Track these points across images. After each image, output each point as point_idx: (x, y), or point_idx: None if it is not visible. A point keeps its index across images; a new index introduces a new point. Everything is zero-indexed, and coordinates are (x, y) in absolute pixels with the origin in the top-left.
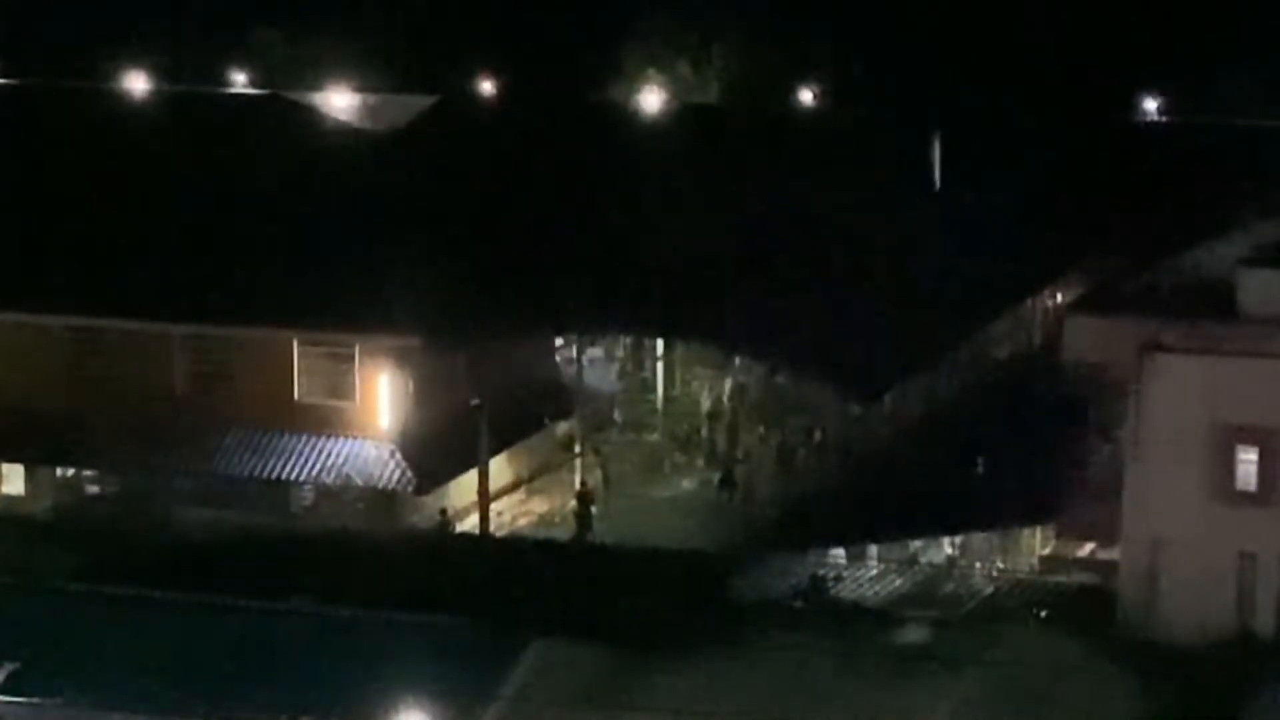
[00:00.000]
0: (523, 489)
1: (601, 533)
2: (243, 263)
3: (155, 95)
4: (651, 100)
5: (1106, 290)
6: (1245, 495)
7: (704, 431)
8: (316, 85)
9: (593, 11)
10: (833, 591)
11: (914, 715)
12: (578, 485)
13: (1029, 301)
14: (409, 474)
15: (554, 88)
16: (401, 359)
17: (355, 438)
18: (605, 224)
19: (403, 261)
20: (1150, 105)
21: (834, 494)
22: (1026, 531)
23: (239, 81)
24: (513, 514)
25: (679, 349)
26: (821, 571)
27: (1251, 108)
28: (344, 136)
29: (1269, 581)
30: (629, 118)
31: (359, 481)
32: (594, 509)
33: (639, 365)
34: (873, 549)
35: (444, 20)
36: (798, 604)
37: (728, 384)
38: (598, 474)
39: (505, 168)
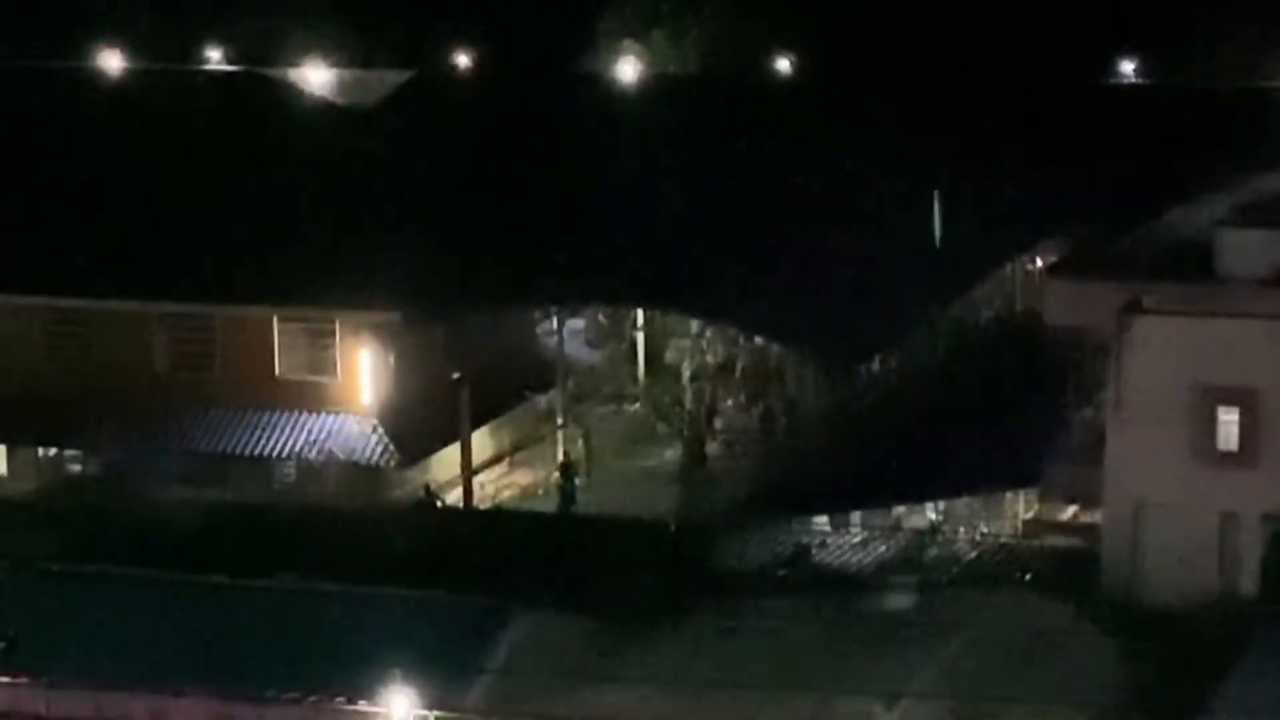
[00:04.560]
0: (505, 462)
1: (585, 504)
2: (221, 240)
3: (130, 74)
4: (629, 70)
5: (1086, 253)
6: (1227, 456)
7: (686, 401)
8: (293, 61)
9: None
10: (817, 559)
11: (900, 680)
12: (560, 457)
13: (1009, 266)
14: (391, 449)
15: (530, 60)
16: (382, 334)
17: (337, 413)
18: (584, 195)
19: (382, 236)
20: (1128, 68)
21: (817, 462)
22: (1009, 496)
23: (214, 59)
24: (496, 487)
25: (660, 319)
26: (805, 539)
27: (1229, 71)
28: (321, 112)
29: (1251, 541)
30: (606, 89)
31: (341, 457)
32: (577, 481)
33: (620, 336)
34: (856, 516)
35: None
36: (782, 572)
37: (709, 354)
38: (580, 446)
39: (483, 141)
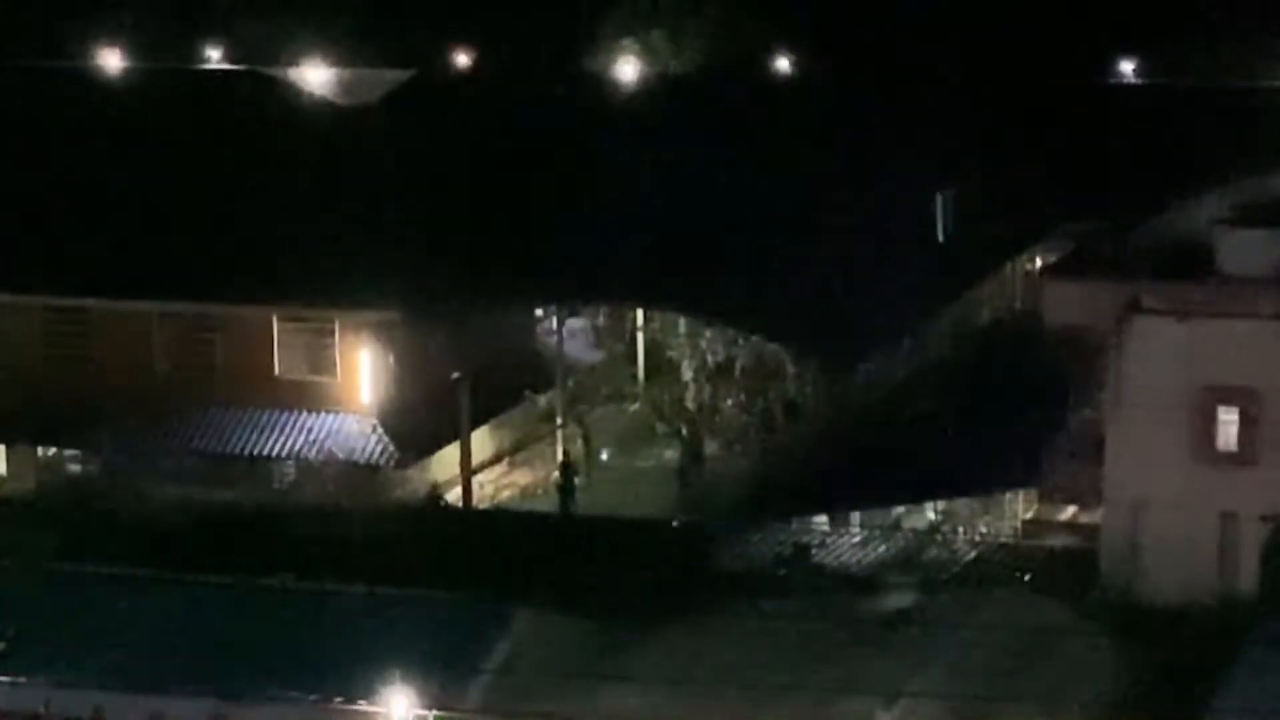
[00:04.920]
0: (505, 461)
1: (584, 504)
2: (221, 239)
3: (130, 73)
4: (628, 70)
5: (1086, 253)
6: (1226, 456)
7: (686, 401)
8: (292, 61)
9: None
10: (816, 559)
11: (899, 681)
12: (560, 457)
13: (1009, 265)
14: (391, 448)
15: (530, 59)
16: (382, 333)
17: (336, 413)
18: (583, 195)
19: (382, 236)
20: (1128, 68)
21: (816, 461)
22: (1009, 496)
23: (214, 58)
24: (495, 486)
25: (659, 318)
26: (804, 539)
27: (1230, 70)
28: (321, 111)
29: (1250, 542)
30: (606, 88)
31: (341, 456)
32: (577, 480)
33: (620, 336)
34: (855, 516)
35: None
36: (781, 572)
37: (708, 354)
38: (580, 445)
39: (483, 140)
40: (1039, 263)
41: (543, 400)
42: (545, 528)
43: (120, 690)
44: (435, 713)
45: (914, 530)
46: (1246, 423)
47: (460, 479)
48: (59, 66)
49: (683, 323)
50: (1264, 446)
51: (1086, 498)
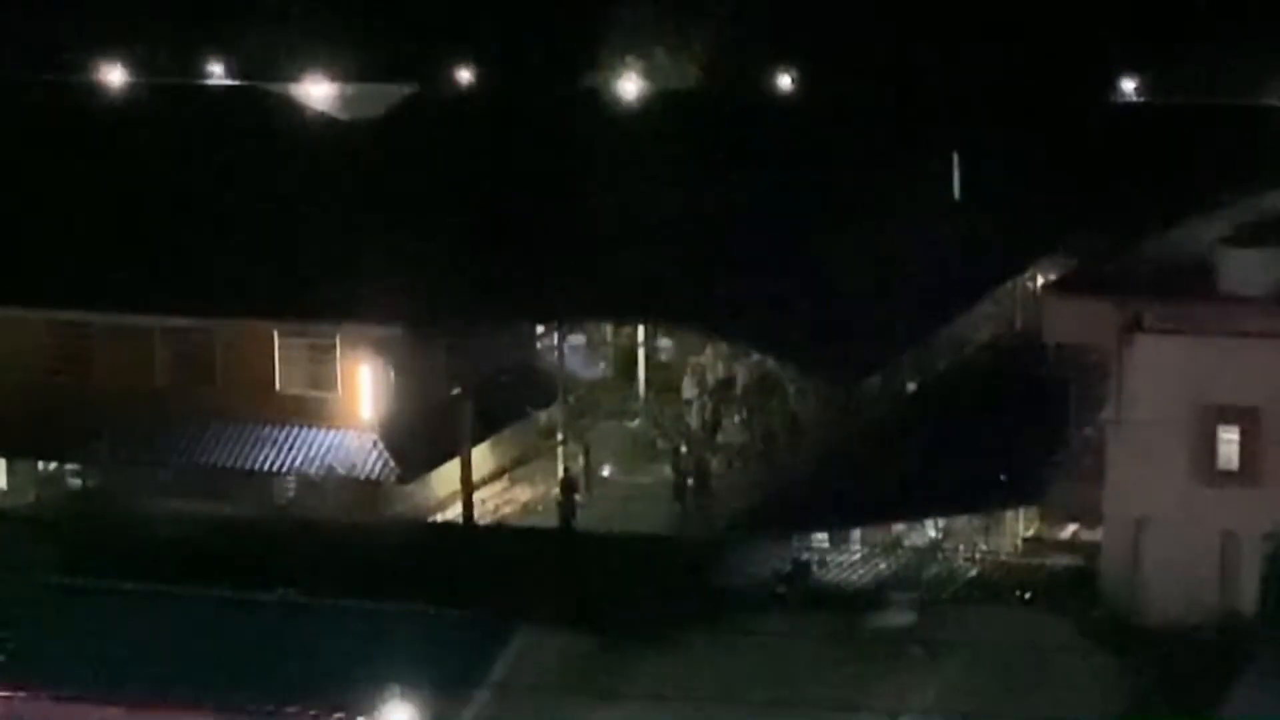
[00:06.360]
0: (506, 477)
1: (585, 520)
2: (222, 254)
3: (132, 88)
4: (629, 87)
5: (1086, 271)
6: (1227, 474)
7: (687, 418)
8: (294, 76)
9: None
10: (816, 576)
11: (898, 698)
12: (561, 473)
13: (1010, 283)
14: (391, 464)
15: (532, 74)
16: (383, 349)
17: (337, 428)
18: (585, 211)
19: (383, 251)
20: (1129, 86)
21: (817, 478)
22: (1009, 514)
23: (216, 73)
24: (496, 502)
25: (661, 335)
26: (804, 556)
27: (1232, 88)
28: (322, 127)
29: (1251, 561)
30: (608, 104)
31: (342, 472)
32: (577, 496)
33: (621, 352)
34: (856, 533)
35: (421, 8)
36: (781, 589)
37: (710, 370)
38: (581, 461)
39: (484, 156)
40: (1040, 280)
41: (544, 416)
42: (545, 543)
43: (120, 704)
44: None
45: (915, 548)
46: (1247, 441)
47: (461, 495)
48: (61, 80)
49: (684, 339)
50: (1265, 465)
51: (1087, 516)
